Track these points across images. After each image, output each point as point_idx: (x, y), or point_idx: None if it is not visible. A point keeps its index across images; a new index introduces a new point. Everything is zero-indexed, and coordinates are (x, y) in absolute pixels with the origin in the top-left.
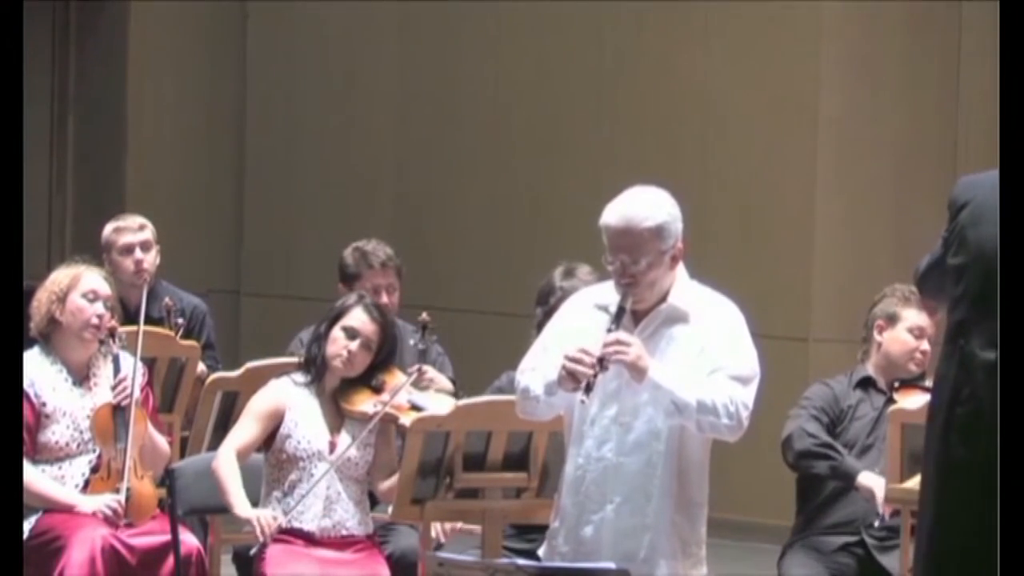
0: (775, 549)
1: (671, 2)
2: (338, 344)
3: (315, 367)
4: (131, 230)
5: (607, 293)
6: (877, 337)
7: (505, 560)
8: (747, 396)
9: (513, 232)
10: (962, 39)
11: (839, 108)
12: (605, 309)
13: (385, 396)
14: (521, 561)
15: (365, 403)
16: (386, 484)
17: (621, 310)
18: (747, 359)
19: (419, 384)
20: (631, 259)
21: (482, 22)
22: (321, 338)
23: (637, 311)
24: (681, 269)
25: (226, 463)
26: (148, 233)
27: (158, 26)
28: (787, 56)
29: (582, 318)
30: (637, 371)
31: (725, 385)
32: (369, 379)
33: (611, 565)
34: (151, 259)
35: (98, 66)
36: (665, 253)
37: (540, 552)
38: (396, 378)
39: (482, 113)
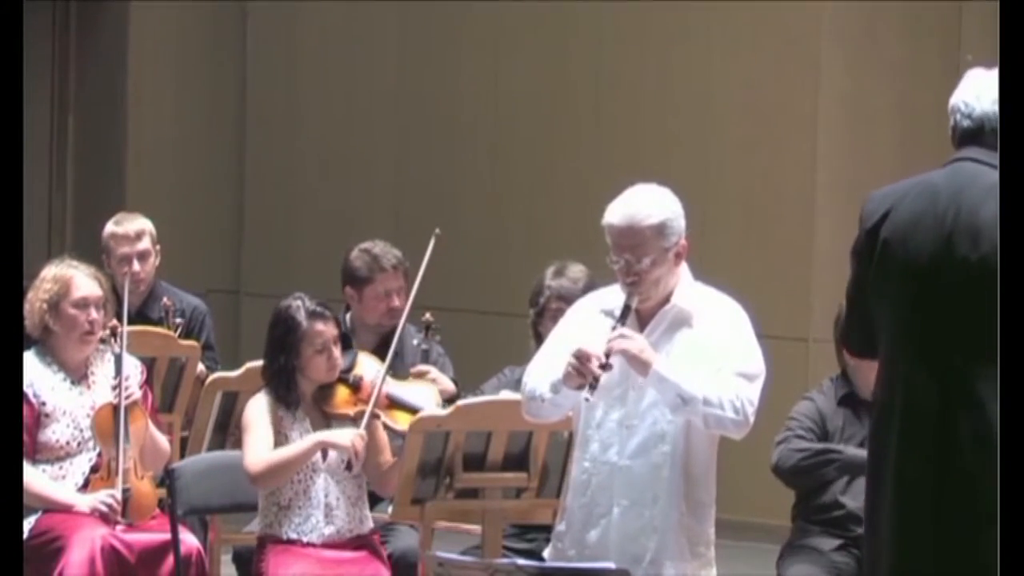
0: (775, 549)
1: (671, 2)
2: (318, 362)
3: (284, 380)
4: (128, 240)
5: (613, 298)
6: None
7: (505, 560)
8: (753, 393)
9: (512, 233)
10: (962, 39)
11: (839, 108)
12: (611, 314)
13: (366, 391)
14: (521, 561)
15: (346, 404)
16: (384, 470)
17: (627, 308)
18: (752, 356)
19: (397, 374)
20: (635, 257)
21: (482, 22)
22: (282, 351)
23: (642, 313)
24: (685, 269)
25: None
26: (146, 242)
27: (158, 26)
28: (787, 56)
29: (588, 322)
30: (640, 364)
31: (731, 382)
32: (344, 375)
33: (611, 565)
34: (148, 268)
35: (98, 66)
36: (668, 250)
37: (545, 553)
38: (367, 369)
39: (482, 113)
